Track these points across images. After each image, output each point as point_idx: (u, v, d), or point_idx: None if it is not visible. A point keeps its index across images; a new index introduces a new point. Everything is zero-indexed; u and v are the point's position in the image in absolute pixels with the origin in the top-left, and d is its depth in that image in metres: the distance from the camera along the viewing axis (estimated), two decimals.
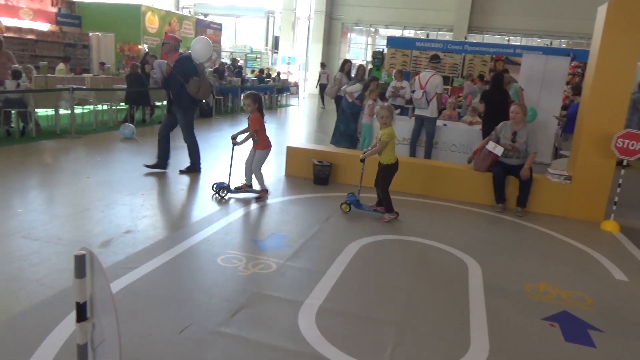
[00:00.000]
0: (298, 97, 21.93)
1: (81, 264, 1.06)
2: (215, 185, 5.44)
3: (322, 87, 17.63)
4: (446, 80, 13.36)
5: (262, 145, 5.53)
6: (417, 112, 7.59)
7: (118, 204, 4.97)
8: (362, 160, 5.21)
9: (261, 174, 5.61)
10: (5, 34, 13.89)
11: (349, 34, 27.54)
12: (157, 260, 3.62)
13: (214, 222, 4.59)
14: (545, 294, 3.57)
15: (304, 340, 2.71)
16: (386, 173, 5.08)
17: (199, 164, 6.70)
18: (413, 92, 7.71)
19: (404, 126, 8.07)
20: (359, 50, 30.13)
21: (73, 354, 2.38)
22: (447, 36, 23.63)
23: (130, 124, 8.84)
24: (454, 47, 14.62)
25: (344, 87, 8.97)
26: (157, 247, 3.87)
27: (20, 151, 7.18)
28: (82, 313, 1.09)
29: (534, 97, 8.92)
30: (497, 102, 7.23)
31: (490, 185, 5.87)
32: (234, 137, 5.46)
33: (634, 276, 4.07)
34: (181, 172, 6.55)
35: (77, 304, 1.08)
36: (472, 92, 10.98)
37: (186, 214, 4.78)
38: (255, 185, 5.70)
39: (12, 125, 8.09)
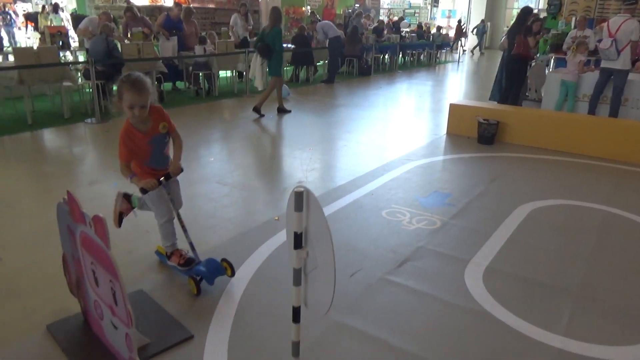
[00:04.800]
0: (458, 54, 20.82)
1: (299, 199, 1.22)
2: (195, 276, 2.64)
3: None
4: None
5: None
6: (604, 64, 6.63)
7: (289, 157, 5.41)
8: None
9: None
10: (191, 4, 15.63)
11: None
12: (327, 210, 3.88)
13: (377, 177, 4.73)
14: None
15: (471, 297, 2.70)
16: None
17: None
18: (599, 41, 6.74)
19: (586, 81, 7.16)
20: None
21: (262, 282, 2.74)
22: None
23: (285, 85, 9.26)
24: None
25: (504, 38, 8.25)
26: (326, 198, 4.14)
27: (206, 108, 8.18)
28: (298, 242, 1.26)
29: None
30: None
31: None
32: (165, 176, 2.62)
33: None
34: None
35: (295, 233, 1.25)
36: None
37: (349, 168, 4.99)
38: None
39: (201, 86, 9.21)
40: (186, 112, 7.73)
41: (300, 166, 5.09)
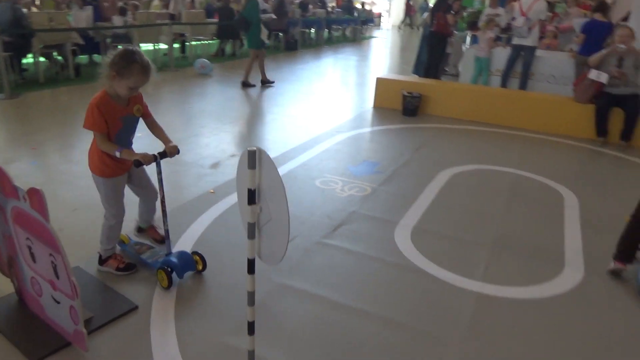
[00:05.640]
0: (381, 29, 21.27)
1: (252, 158, 1.30)
2: (167, 267, 2.45)
3: None
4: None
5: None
6: (516, 40, 7.15)
7: (220, 130, 5.38)
8: None
9: None
10: None
11: None
12: None
13: (309, 149, 4.86)
14: None
15: (401, 254, 2.93)
16: None
17: None
18: (513, 19, 7.24)
19: (498, 57, 7.68)
20: None
21: (203, 251, 2.79)
22: None
23: (206, 61, 9.02)
24: None
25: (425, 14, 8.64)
26: None
27: None
28: (252, 198, 1.34)
29: None
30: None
31: (590, 117, 5.57)
32: (160, 154, 2.41)
33: None
34: None
35: (249, 190, 1.33)
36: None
37: (282, 141, 5.07)
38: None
39: None
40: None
41: (232, 139, 5.09)
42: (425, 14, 8.56)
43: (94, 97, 2.33)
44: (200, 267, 2.62)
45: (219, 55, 11.05)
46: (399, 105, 6.50)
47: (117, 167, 2.46)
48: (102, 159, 2.40)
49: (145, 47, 10.04)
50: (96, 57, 9.14)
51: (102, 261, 2.61)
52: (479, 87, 7.17)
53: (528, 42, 7.01)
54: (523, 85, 7.33)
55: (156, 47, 9.69)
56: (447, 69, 9.48)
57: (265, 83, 8.04)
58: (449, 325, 2.31)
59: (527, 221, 3.50)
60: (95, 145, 2.40)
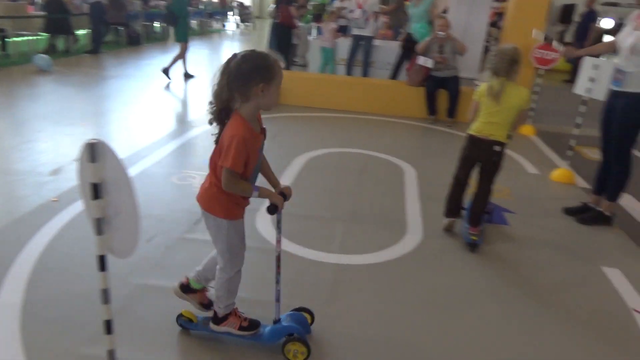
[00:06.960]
0: (233, 22, 21.13)
1: (93, 151, 1.26)
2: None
3: None
4: None
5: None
6: (356, 31, 7.69)
7: (60, 134, 4.91)
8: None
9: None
10: None
11: None
12: None
13: (163, 145, 4.70)
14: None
15: (263, 238, 3.03)
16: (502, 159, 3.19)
17: None
18: (351, 11, 7.75)
19: (342, 47, 8.18)
20: None
21: (50, 263, 2.57)
22: None
23: (44, 55, 8.26)
24: None
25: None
26: None
27: None
28: (96, 192, 1.30)
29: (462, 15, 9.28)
30: None
31: (422, 98, 6.28)
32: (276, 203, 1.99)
33: (543, 170, 4.70)
34: None
35: (93, 184, 1.28)
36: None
37: (133, 140, 4.81)
38: None
39: None
40: None
41: (74, 142, 4.68)
42: (272, 6, 8.74)
43: (235, 127, 1.79)
44: (311, 321, 2.26)
45: (50, 52, 9.93)
46: None
47: (241, 204, 2.00)
48: (233, 197, 1.94)
49: None
50: None
51: (218, 320, 2.11)
52: (326, 76, 7.59)
53: (366, 32, 7.59)
54: (365, 73, 7.92)
55: None
56: (295, 60, 9.81)
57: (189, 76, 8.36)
58: (312, 296, 2.48)
59: (375, 195, 3.86)
60: (220, 183, 1.88)
